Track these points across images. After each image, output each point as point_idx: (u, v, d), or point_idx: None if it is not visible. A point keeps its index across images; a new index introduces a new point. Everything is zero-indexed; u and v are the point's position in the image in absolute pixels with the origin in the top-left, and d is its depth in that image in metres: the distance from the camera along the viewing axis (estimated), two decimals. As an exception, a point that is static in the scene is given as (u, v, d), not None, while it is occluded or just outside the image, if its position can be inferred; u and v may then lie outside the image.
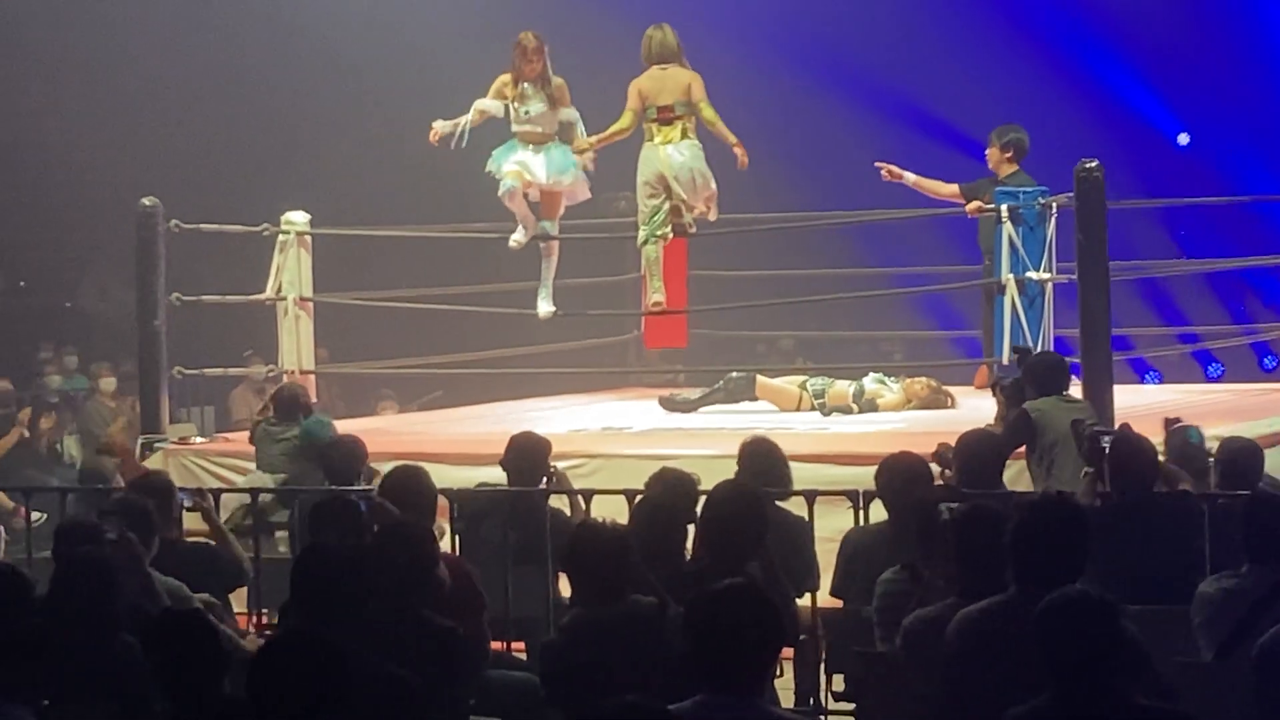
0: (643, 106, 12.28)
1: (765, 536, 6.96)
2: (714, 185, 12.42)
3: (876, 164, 12.88)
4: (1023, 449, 9.59)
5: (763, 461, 8.52)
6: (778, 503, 8.12)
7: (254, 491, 9.68)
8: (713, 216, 12.66)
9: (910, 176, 12.86)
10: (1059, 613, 5.02)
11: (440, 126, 12.50)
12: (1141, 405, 12.14)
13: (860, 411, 12.57)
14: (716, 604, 5.01)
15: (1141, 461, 7.95)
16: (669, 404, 13.06)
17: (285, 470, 10.72)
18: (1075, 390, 10.36)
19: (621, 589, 6.29)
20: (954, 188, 12.77)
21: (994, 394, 10.35)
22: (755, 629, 4.95)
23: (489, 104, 12.46)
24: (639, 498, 7.73)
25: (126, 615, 6.60)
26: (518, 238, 12.66)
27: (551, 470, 9.06)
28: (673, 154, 12.25)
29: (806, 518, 8.17)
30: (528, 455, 9.03)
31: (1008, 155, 12.56)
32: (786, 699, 7.63)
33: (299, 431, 10.81)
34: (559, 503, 8.78)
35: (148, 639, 5.73)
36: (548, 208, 12.72)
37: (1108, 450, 8.05)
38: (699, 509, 7.28)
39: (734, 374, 13.04)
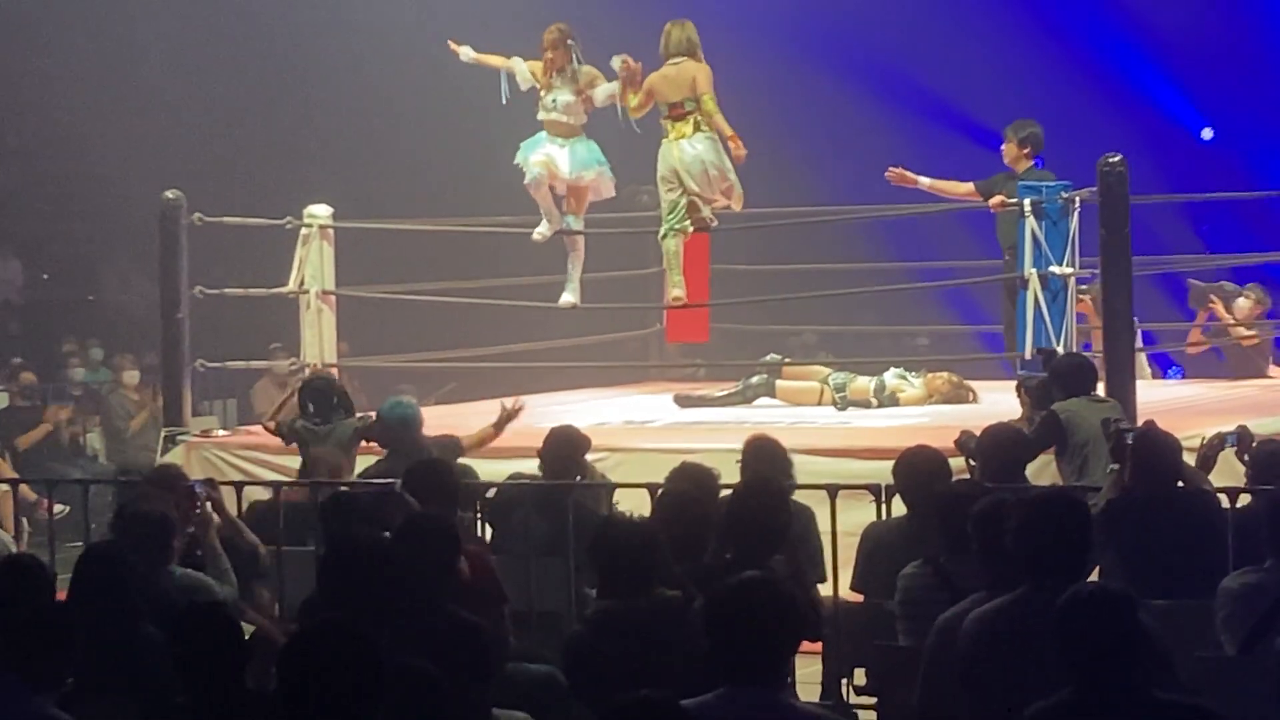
0: (651, 103, 12.29)
1: (789, 531, 6.95)
2: (732, 177, 12.40)
3: (888, 171, 12.80)
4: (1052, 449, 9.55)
5: (766, 459, 8.48)
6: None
7: (277, 485, 9.68)
8: (737, 207, 12.65)
9: (924, 180, 12.76)
10: (1078, 608, 5.02)
11: (465, 53, 12.53)
12: (1164, 400, 12.13)
13: (878, 406, 12.57)
14: (736, 597, 5.02)
15: (1163, 458, 7.93)
16: (685, 401, 13.06)
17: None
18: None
19: (647, 582, 6.29)
20: (969, 186, 12.72)
21: (1018, 394, 10.30)
22: (775, 621, 4.96)
23: (519, 68, 12.42)
24: (661, 492, 7.73)
25: (149, 608, 6.62)
26: (541, 230, 12.68)
27: (587, 467, 9.08)
28: (685, 148, 12.25)
29: (830, 512, 8.17)
30: (562, 449, 9.03)
31: (1024, 151, 12.49)
32: (811, 693, 7.62)
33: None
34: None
35: (172, 632, 5.74)
36: (573, 202, 12.73)
37: (1131, 446, 8.04)
38: (721, 503, 7.28)
39: (754, 379, 13.05)
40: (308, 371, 12.79)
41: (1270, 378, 14.61)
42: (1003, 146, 12.66)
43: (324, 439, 10.76)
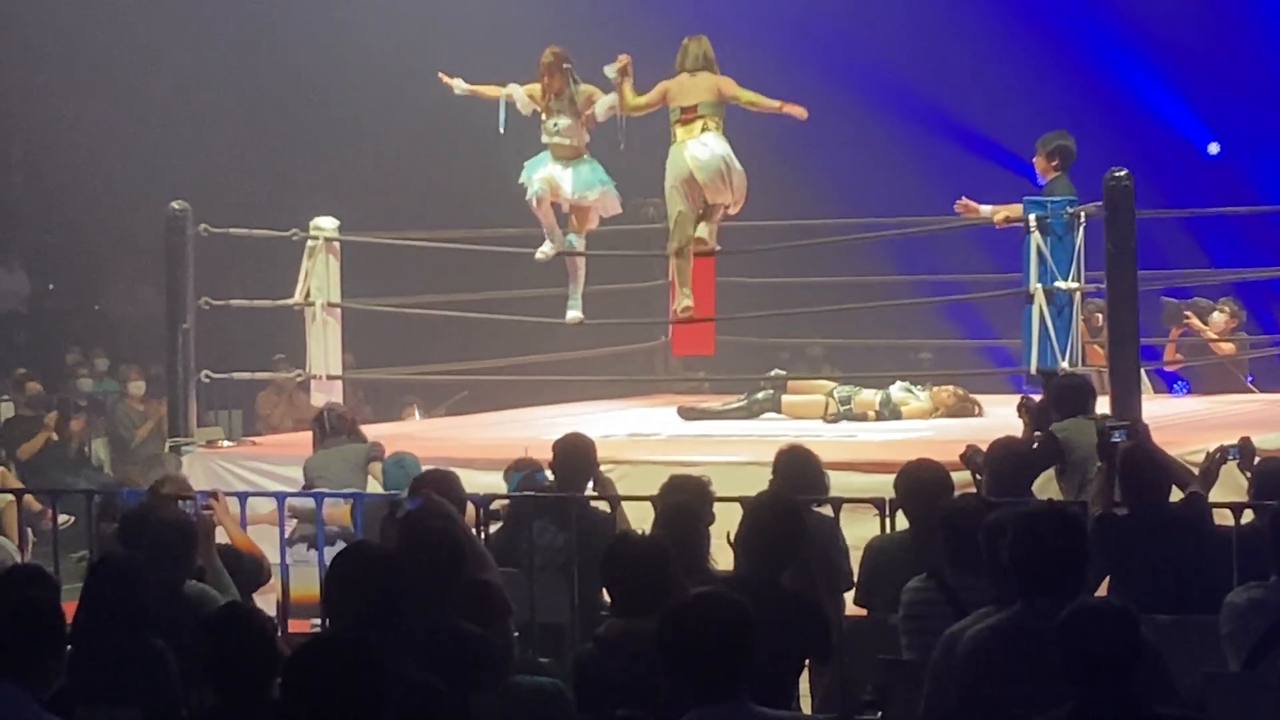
0: (660, 103, 12.32)
1: (802, 546, 6.90)
2: (743, 176, 12.40)
3: (956, 204, 12.72)
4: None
5: (798, 469, 8.48)
6: (814, 508, 8.14)
7: (280, 496, 9.68)
8: (734, 210, 12.63)
9: (986, 209, 12.65)
10: (1079, 622, 5.01)
11: (459, 85, 12.55)
12: (1168, 415, 12.12)
13: (876, 419, 12.54)
14: (685, 617, 5.01)
15: (1153, 469, 7.93)
16: (689, 414, 13.05)
17: (352, 483, 10.61)
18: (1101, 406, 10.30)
19: (659, 600, 6.26)
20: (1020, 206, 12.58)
21: (1019, 414, 10.28)
22: (727, 634, 4.94)
23: (518, 94, 12.45)
24: (662, 506, 7.70)
25: (162, 620, 6.60)
26: (545, 250, 12.70)
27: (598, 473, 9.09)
28: (697, 148, 12.26)
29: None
30: (572, 456, 9.04)
31: (1053, 163, 12.35)
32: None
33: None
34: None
35: (207, 632, 5.69)
36: (575, 221, 12.75)
37: (1119, 459, 8.04)
38: (715, 511, 7.28)
39: (759, 394, 13.04)
40: (313, 383, 12.83)
41: (1251, 391, 14.62)
42: (1034, 159, 12.54)
43: (339, 462, 10.82)
